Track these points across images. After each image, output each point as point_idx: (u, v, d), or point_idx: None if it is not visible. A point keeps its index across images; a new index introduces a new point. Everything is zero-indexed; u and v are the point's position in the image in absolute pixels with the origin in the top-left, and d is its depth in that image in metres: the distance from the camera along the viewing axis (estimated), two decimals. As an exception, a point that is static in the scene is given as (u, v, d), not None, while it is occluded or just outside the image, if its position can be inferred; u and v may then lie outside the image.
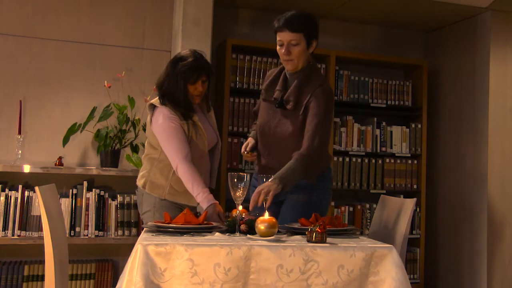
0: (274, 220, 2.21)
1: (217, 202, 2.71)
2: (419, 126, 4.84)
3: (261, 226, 2.19)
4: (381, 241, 2.28)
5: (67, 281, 2.87)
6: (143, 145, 3.89)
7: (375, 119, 4.74)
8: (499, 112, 4.48)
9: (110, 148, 3.88)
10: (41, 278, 3.71)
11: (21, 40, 3.96)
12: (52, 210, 2.48)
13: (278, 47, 2.74)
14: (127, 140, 3.99)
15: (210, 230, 2.34)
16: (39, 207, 3.23)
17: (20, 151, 3.80)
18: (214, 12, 4.06)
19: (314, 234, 2.13)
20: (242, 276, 2.00)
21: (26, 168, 3.66)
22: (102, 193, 3.86)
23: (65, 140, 3.86)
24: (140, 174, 3.04)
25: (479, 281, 4.42)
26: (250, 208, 2.41)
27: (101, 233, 3.81)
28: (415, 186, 4.80)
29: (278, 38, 2.72)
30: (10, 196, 3.68)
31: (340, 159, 4.60)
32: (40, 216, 3.51)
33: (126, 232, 3.88)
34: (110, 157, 3.87)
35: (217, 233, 2.32)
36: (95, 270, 3.89)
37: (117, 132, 3.93)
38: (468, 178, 4.63)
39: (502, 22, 4.52)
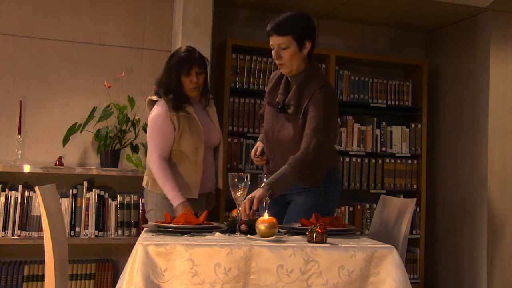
0: (274, 220, 2.21)
1: (186, 199, 2.83)
2: (419, 126, 4.84)
3: (261, 226, 2.19)
4: (381, 241, 2.28)
5: (67, 281, 2.87)
6: (143, 145, 3.91)
7: (375, 119, 4.74)
8: (499, 112, 4.48)
9: (110, 148, 3.88)
10: (41, 278, 3.71)
11: (21, 40, 3.96)
12: (52, 210, 2.48)
13: (272, 52, 2.75)
14: (127, 140, 3.99)
15: (210, 230, 2.34)
16: (39, 207, 3.23)
17: (20, 151, 3.80)
18: (214, 12, 4.06)
19: (315, 234, 2.13)
20: (242, 276, 2.00)
21: (26, 168, 3.66)
22: (102, 193, 3.86)
23: (65, 140, 3.86)
24: (144, 174, 3.10)
25: (479, 281, 4.42)
26: (243, 218, 2.39)
27: (101, 233, 3.81)
28: (415, 186, 4.80)
29: (270, 42, 2.73)
30: (10, 196, 3.68)
31: (340, 159, 4.60)
32: (40, 216, 3.52)
33: (126, 232, 3.88)
34: (110, 157, 3.87)
35: (217, 233, 2.32)
36: (95, 270, 3.89)
37: (117, 132, 3.93)
38: (468, 178, 4.63)
39: (502, 22, 4.52)
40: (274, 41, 2.69)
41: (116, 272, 3.96)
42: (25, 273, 3.71)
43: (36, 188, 2.38)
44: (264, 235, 2.18)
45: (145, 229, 2.40)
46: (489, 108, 4.45)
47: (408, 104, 4.86)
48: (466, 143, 4.67)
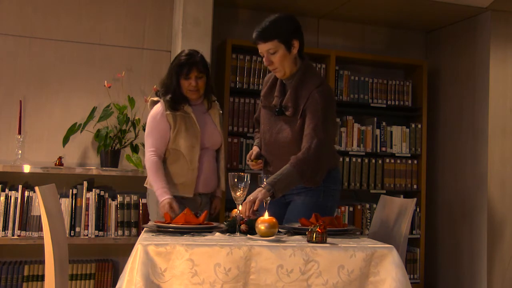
0: (274, 220, 2.21)
1: (172, 197, 2.87)
2: (419, 126, 4.84)
3: (261, 226, 2.19)
4: (381, 241, 2.28)
5: (67, 281, 2.87)
6: (143, 145, 3.90)
7: (375, 119, 4.74)
8: (499, 112, 4.48)
9: (110, 148, 3.88)
10: (41, 278, 3.71)
11: (21, 40, 3.96)
12: (52, 210, 2.48)
13: (263, 59, 2.76)
14: (127, 140, 3.99)
15: (210, 230, 2.34)
16: (39, 207, 3.23)
17: (20, 151, 3.80)
18: (214, 12, 4.06)
19: (315, 234, 2.13)
20: (242, 276, 2.00)
21: (26, 168, 3.66)
22: (102, 193, 3.86)
23: (65, 140, 3.86)
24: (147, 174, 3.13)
25: (479, 281, 4.42)
26: (244, 217, 2.39)
27: (101, 233, 3.81)
28: (415, 186, 4.80)
29: (259, 51, 2.74)
30: (10, 196, 3.68)
31: (340, 159, 4.60)
32: (40, 216, 3.52)
33: (126, 232, 3.88)
34: (110, 157, 3.87)
35: (217, 233, 2.32)
36: (95, 270, 3.89)
37: (117, 132, 3.93)
38: (468, 178, 4.63)
39: (502, 22, 4.52)
40: (262, 48, 2.70)
41: (116, 272, 3.96)
42: (25, 273, 3.71)
43: (36, 188, 2.39)
44: (264, 235, 2.18)
45: (145, 229, 2.41)
46: (489, 108, 4.45)
47: (408, 104, 4.86)
48: (466, 143, 4.67)
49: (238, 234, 2.29)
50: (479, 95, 4.56)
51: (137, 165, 3.80)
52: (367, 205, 4.68)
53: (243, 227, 2.31)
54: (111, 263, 3.94)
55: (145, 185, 3.13)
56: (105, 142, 3.86)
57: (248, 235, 2.25)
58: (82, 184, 3.82)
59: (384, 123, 4.76)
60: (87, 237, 3.77)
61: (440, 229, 4.93)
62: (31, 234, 3.69)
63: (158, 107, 3.02)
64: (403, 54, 5.12)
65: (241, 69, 4.38)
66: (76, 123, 3.92)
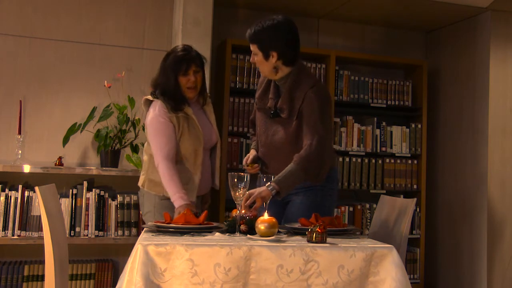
0: (274, 220, 2.21)
1: (190, 202, 2.75)
2: (419, 126, 4.84)
3: (261, 226, 2.19)
4: (381, 241, 2.28)
5: (67, 281, 2.87)
6: (143, 145, 3.90)
7: (375, 119, 4.74)
8: (499, 112, 4.48)
9: (110, 148, 3.88)
10: (41, 278, 3.71)
11: (21, 40, 3.96)
12: (52, 210, 2.48)
13: None
14: (127, 140, 3.99)
15: (210, 230, 2.34)
16: (39, 207, 3.23)
17: (20, 151, 3.80)
18: (214, 12, 4.06)
19: (314, 234, 2.13)
20: (242, 276, 2.00)
21: (26, 168, 3.66)
22: (102, 193, 3.86)
23: (65, 140, 3.86)
24: (140, 174, 3.06)
25: (479, 281, 4.43)
26: (242, 210, 2.39)
27: (101, 233, 3.81)
28: (415, 186, 4.80)
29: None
30: (10, 196, 3.68)
31: (340, 159, 4.60)
32: (40, 216, 3.51)
33: (126, 232, 3.88)
34: (110, 157, 3.87)
35: (217, 233, 2.32)
36: (95, 270, 3.89)
37: (117, 132, 3.93)
38: (468, 178, 4.63)
39: (502, 22, 4.52)
40: (251, 46, 2.78)
41: (116, 272, 3.96)
42: (25, 273, 3.71)
43: (36, 188, 2.39)
44: (264, 235, 2.18)
45: (145, 229, 2.41)
46: (489, 108, 4.45)
47: (408, 104, 4.86)
48: (466, 143, 4.67)
49: (238, 234, 2.29)
50: (479, 95, 4.56)
51: (137, 165, 3.80)
52: (367, 205, 4.68)
53: (243, 227, 2.31)
54: (111, 263, 3.94)
55: (139, 185, 3.04)
56: (105, 142, 3.86)
57: (248, 235, 2.25)
58: (82, 184, 3.82)
59: (384, 123, 4.76)
60: (87, 237, 3.77)
61: (440, 229, 4.93)
62: (31, 234, 3.69)
63: (158, 109, 2.88)
64: (403, 54, 5.12)
65: (241, 69, 4.38)
66: (76, 123, 3.92)
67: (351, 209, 4.63)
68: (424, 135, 4.82)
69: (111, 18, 4.16)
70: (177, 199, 2.75)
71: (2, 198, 3.66)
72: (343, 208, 4.60)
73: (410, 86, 4.88)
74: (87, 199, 3.81)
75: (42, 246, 2.39)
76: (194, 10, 3.95)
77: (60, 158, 3.80)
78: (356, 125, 4.67)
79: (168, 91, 2.91)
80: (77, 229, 3.76)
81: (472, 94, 4.65)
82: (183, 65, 2.89)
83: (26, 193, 3.72)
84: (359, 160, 4.66)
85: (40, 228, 3.65)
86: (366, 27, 5.10)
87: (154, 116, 2.88)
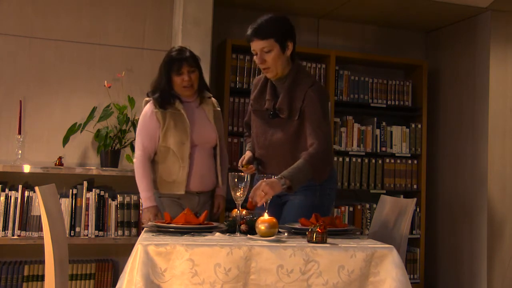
0: (274, 220, 2.21)
1: (156, 205, 2.93)
2: (419, 126, 4.84)
3: (261, 226, 2.19)
4: (381, 241, 2.28)
5: (67, 281, 2.87)
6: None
7: (375, 119, 4.74)
8: (499, 112, 4.48)
9: (110, 148, 3.88)
10: (41, 278, 3.71)
11: (21, 40, 3.96)
12: (52, 210, 2.48)
13: (254, 57, 2.73)
14: (127, 140, 3.99)
15: (210, 230, 2.34)
16: (39, 207, 3.23)
17: (20, 151, 3.80)
18: (214, 12, 4.06)
19: (315, 234, 2.13)
20: (242, 276, 2.00)
21: (26, 168, 3.66)
22: (102, 193, 3.86)
23: (65, 140, 3.86)
24: None
25: (479, 281, 4.42)
26: (248, 205, 2.40)
27: (101, 233, 3.81)
28: (415, 186, 4.80)
29: (251, 48, 2.71)
30: (10, 196, 3.68)
31: (340, 159, 4.60)
32: (40, 216, 3.52)
33: (126, 232, 3.88)
34: (110, 157, 3.87)
35: (217, 233, 2.32)
36: (95, 270, 3.89)
37: (117, 132, 3.93)
38: (468, 178, 4.63)
39: (502, 22, 4.52)
40: (256, 45, 2.68)
41: (116, 272, 3.96)
42: (25, 273, 3.71)
43: (36, 188, 2.38)
44: (264, 235, 2.18)
45: (145, 229, 2.41)
46: (489, 108, 4.45)
47: (408, 104, 4.86)
48: (466, 143, 4.67)
49: (238, 234, 2.29)
50: (479, 95, 4.56)
51: (137, 165, 3.80)
52: (367, 205, 4.68)
53: (243, 227, 2.31)
54: (111, 263, 3.94)
55: None
56: (105, 142, 3.86)
57: (248, 235, 2.25)
58: (82, 184, 3.82)
59: (384, 123, 4.76)
60: (87, 237, 3.77)
61: (440, 229, 4.93)
62: (31, 234, 3.69)
63: (148, 106, 3.02)
64: (403, 54, 5.12)
65: (241, 69, 4.38)
66: (76, 123, 3.92)
67: (351, 209, 4.63)
68: (424, 135, 4.82)
69: (111, 18, 4.16)
70: (145, 200, 2.94)
71: (2, 198, 3.66)
72: (343, 208, 4.60)
73: (410, 86, 4.88)
74: (87, 199, 3.81)
75: (42, 246, 2.39)
76: (194, 10, 3.95)
77: (60, 158, 3.80)
78: (356, 125, 4.67)
79: (158, 88, 3.02)
80: (77, 229, 3.76)
81: (472, 94, 4.65)
82: (175, 65, 2.97)
83: (26, 193, 3.72)
84: (359, 160, 4.66)
85: (40, 228, 3.65)
86: (366, 27, 5.10)
87: (143, 114, 3.05)
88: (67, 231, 3.71)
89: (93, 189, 3.84)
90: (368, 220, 4.64)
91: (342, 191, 4.71)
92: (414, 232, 4.74)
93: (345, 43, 4.99)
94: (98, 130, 3.92)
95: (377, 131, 4.73)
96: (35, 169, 3.67)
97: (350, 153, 4.64)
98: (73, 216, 3.77)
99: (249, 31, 2.70)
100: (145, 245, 1.96)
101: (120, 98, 4.05)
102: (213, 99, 3.19)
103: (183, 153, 2.95)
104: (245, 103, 4.37)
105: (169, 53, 3.04)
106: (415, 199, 2.69)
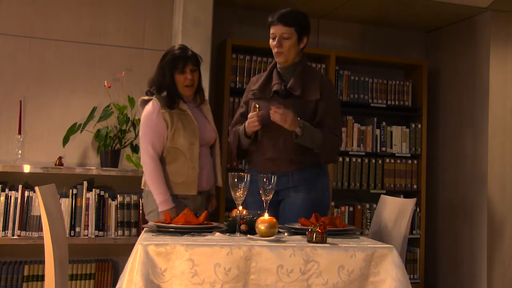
0: (274, 220, 2.21)
1: (174, 206, 2.88)
2: (419, 126, 4.84)
3: (261, 226, 2.19)
4: (381, 241, 2.28)
5: (67, 281, 2.87)
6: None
7: (375, 119, 4.74)
8: (499, 112, 4.48)
9: (110, 148, 3.88)
10: (41, 278, 3.71)
11: (21, 40, 3.96)
12: (52, 210, 2.48)
13: (271, 40, 2.90)
14: (127, 140, 3.99)
15: (210, 230, 2.34)
16: (39, 207, 3.23)
17: (20, 151, 3.80)
18: (214, 12, 4.06)
19: (315, 234, 2.13)
20: (242, 277, 2.00)
21: (26, 168, 3.66)
22: (102, 193, 3.86)
23: (65, 140, 3.86)
24: (143, 176, 3.08)
25: (479, 281, 4.42)
26: (253, 109, 2.75)
27: (101, 233, 3.81)
28: (415, 186, 4.80)
29: (271, 31, 2.88)
30: (10, 196, 3.68)
31: (340, 159, 4.60)
32: (40, 216, 3.52)
33: (126, 232, 3.88)
34: (110, 157, 3.87)
35: (217, 233, 2.32)
36: (95, 270, 3.89)
37: (117, 132, 3.93)
38: (468, 178, 4.63)
39: (502, 22, 4.52)
40: (277, 30, 2.86)
41: (116, 272, 3.96)
42: (25, 273, 3.71)
43: (36, 188, 2.38)
44: (264, 235, 2.18)
45: (145, 229, 2.41)
46: (489, 108, 4.45)
47: (408, 104, 4.86)
48: (466, 143, 4.67)
49: (238, 234, 2.29)
50: (479, 95, 4.56)
51: (137, 165, 3.80)
52: (367, 205, 4.68)
53: (243, 227, 2.31)
54: (111, 263, 3.94)
55: (142, 187, 3.07)
56: (105, 142, 3.86)
57: (248, 235, 2.25)
58: (82, 184, 3.82)
59: (384, 123, 4.76)
60: (87, 237, 3.77)
61: (440, 229, 4.93)
62: (31, 234, 3.69)
63: (152, 106, 2.95)
64: (403, 54, 5.12)
65: (241, 69, 4.38)
66: (76, 123, 3.92)
67: (351, 209, 4.63)
68: (424, 135, 4.82)
69: (111, 18, 4.16)
70: (162, 203, 2.88)
71: (2, 198, 3.66)
72: (343, 208, 4.60)
73: (410, 86, 4.88)
74: (87, 199, 3.81)
75: (42, 246, 2.39)
76: (194, 10, 3.95)
77: (60, 158, 3.80)
78: (356, 125, 4.67)
79: (164, 88, 2.99)
80: (77, 229, 3.76)
81: (472, 94, 4.65)
82: (180, 63, 2.97)
83: (26, 193, 3.72)
84: (359, 160, 4.66)
85: (40, 228, 3.65)
86: (366, 27, 5.10)
87: (147, 113, 2.96)
88: (67, 231, 3.71)
89: (93, 189, 3.84)
90: (368, 220, 4.64)
91: (342, 191, 4.71)
92: (414, 232, 4.73)
93: (345, 43, 4.99)
94: (98, 130, 3.91)
95: (377, 131, 4.73)
96: (35, 169, 3.67)
97: (350, 153, 4.64)
98: (73, 216, 3.77)
99: (274, 16, 2.87)
100: (145, 245, 1.96)
101: (120, 98, 4.05)
102: (206, 98, 3.23)
103: (193, 154, 2.93)
104: (245, 103, 4.36)
105: (172, 51, 3.01)
106: (415, 199, 2.69)
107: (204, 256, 1.96)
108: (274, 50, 2.88)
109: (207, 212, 2.48)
